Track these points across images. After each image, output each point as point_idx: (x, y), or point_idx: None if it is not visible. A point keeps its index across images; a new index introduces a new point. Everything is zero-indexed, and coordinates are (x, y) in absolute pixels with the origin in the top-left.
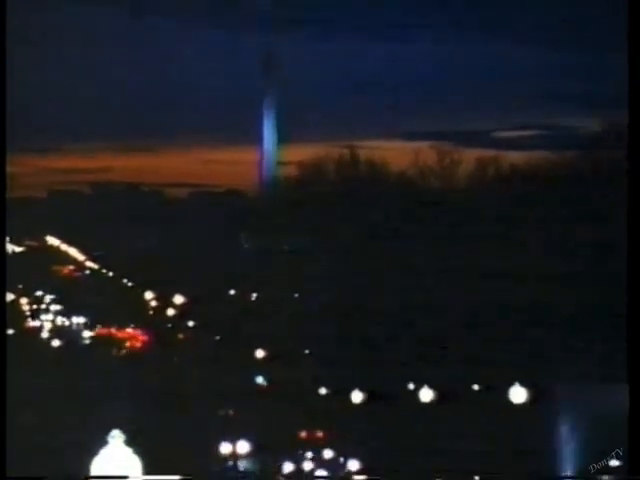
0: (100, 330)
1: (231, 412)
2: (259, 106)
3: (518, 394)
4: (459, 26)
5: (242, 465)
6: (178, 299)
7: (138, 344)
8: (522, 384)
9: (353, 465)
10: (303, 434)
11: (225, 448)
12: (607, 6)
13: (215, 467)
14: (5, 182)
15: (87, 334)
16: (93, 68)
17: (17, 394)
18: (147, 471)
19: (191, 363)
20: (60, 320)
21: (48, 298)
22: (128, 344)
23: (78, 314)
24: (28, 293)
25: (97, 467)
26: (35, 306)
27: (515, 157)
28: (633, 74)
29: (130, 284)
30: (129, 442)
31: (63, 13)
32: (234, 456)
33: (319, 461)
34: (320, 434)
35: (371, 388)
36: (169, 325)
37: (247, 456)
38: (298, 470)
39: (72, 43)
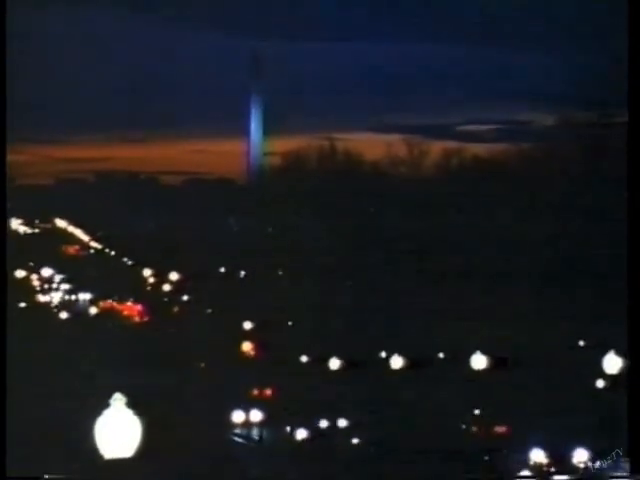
0: (103, 303)
1: (202, 365)
2: (247, 101)
3: (479, 361)
4: (430, 27)
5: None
6: (173, 276)
7: (137, 316)
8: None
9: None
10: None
11: (237, 416)
12: (565, 7)
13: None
14: (5, 168)
15: (91, 307)
16: (93, 65)
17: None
18: (146, 432)
19: (185, 333)
20: (67, 295)
21: (57, 276)
22: (128, 315)
23: (83, 289)
24: (38, 270)
25: (99, 429)
26: (47, 285)
27: (477, 149)
28: (633, 74)
29: (130, 262)
30: (130, 405)
31: (63, 13)
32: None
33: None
34: (269, 391)
35: (347, 356)
36: (165, 299)
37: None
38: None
39: (73, 42)
